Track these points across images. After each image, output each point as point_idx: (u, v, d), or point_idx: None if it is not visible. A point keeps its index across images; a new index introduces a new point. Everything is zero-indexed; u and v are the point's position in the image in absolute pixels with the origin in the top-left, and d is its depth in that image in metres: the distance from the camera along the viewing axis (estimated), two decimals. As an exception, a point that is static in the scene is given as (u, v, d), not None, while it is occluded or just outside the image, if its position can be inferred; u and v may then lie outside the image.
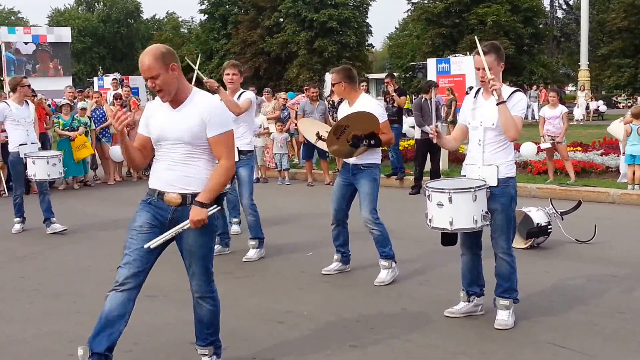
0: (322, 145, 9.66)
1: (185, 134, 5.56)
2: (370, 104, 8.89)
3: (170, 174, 5.66)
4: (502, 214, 7.06)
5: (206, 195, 5.55)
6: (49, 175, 12.41)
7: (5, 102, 12.78)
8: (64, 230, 12.56)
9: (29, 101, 13.06)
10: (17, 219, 12.91)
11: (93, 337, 5.74)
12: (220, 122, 5.63)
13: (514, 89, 7.21)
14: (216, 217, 5.78)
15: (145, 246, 5.63)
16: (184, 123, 5.56)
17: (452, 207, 6.94)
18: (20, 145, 12.39)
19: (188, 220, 5.56)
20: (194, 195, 5.60)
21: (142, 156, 5.98)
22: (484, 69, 7.03)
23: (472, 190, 6.87)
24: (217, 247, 10.61)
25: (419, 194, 16.62)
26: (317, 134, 9.70)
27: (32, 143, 12.60)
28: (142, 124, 5.89)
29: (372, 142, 8.55)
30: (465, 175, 7.34)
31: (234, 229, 12.05)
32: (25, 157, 12.30)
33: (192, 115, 5.57)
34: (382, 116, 8.74)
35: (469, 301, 7.51)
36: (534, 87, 41.37)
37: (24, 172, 12.38)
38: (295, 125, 20.80)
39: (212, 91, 9.92)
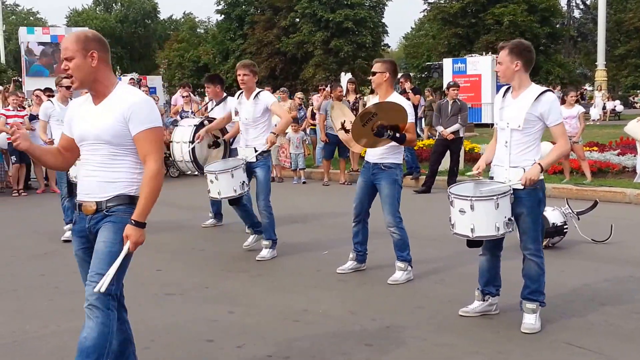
0: (341, 134, 9.70)
1: (105, 132, 5.01)
2: (403, 103, 8.75)
3: (89, 181, 5.14)
4: (529, 216, 7.00)
5: (142, 213, 4.95)
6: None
7: (50, 101, 12.50)
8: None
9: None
10: (67, 225, 11.89)
11: None
12: (144, 117, 5.02)
13: (544, 89, 7.06)
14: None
15: (95, 290, 5.07)
16: (103, 119, 5.02)
17: (474, 215, 6.91)
18: (52, 140, 11.73)
19: (127, 246, 4.96)
20: (115, 197, 5.07)
21: (59, 159, 5.46)
22: (498, 63, 7.03)
23: (495, 198, 6.83)
24: (253, 238, 10.94)
25: (428, 193, 16.67)
26: (343, 123, 9.72)
27: None
28: (66, 123, 5.38)
29: (397, 135, 8.46)
30: (492, 177, 7.27)
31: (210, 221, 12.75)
32: None
33: (113, 110, 5.01)
34: (410, 115, 8.65)
35: (484, 300, 7.49)
36: (558, 87, 41.29)
37: (66, 173, 11.61)
38: (311, 125, 20.86)
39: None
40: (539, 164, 6.81)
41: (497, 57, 7.34)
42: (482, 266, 7.48)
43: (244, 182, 10.19)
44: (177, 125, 12.60)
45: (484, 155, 7.63)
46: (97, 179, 5.07)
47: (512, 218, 6.95)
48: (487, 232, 6.93)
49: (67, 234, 11.84)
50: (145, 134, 4.99)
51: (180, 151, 11.42)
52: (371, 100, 9.26)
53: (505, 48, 7.00)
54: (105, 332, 5.05)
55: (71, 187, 11.61)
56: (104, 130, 4.99)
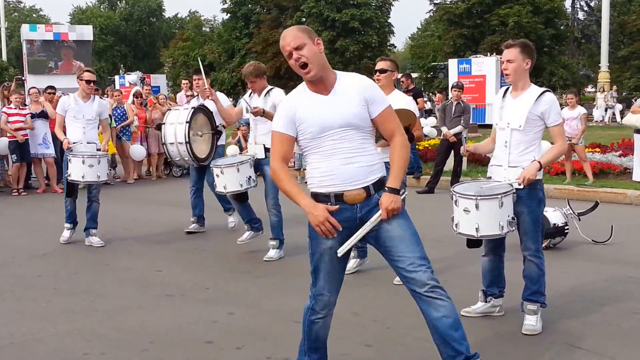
0: None
1: (354, 118, 5.11)
2: (404, 100, 8.75)
3: (350, 168, 5.14)
4: (529, 216, 7.00)
5: (396, 180, 5.14)
6: (82, 177, 11.03)
7: (69, 95, 11.85)
8: (101, 246, 11.38)
9: (97, 97, 12.01)
10: (67, 224, 11.79)
11: None
12: (381, 96, 5.22)
13: (543, 89, 7.09)
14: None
15: (340, 253, 5.32)
16: (347, 106, 5.11)
17: (479, 214, 6.89)
18: (73, 143, 11.21)
19: (379, 212, 5.10)
20: (377, 183, 5.18)
21: None
22: (507, 61, 7.00)
23: (499, 196, 6.82)
24: (248, 234, 10.85)
25: (431, 193, 16.66)
26: None
27: (88, 142, 11.36)
28: (285, 122, 5.23)
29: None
30: (490, 177, 7.30)
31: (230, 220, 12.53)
32: (67, 154, 11.24)
33: (352, 96, 5.12)
34: (415, 111, 8.64)
35: (486, 301, 7.52)
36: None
37: (65, 173, 11.35)
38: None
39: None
40: (538, 162, 6.83)
41: (501, 58, 7.34)
42: (485, 267, 7.50)
43: (250, 177, 10.23)
44: (170, 109, 12.31)
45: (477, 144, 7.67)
46: (356, 165, 5.15)
47: (515, 217, 6.95)
48: (491, 231, 6.92)
49: (66, 235, 11.80)
50: (386, 112, 5.19)
51: (174, 133, 11.12)
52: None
53: (516, 46, 7.00)
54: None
55: (72, 188, 11.44)
56: (353, 116, 5.11)
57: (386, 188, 5.13)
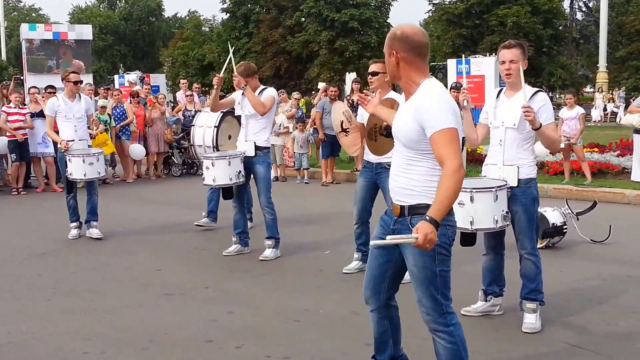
0: (341, 137, 9.67)
1: (398, 133, 4.97)
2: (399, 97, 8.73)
3: (392, 185, 5.07)
4: (524, 215, 7.05)
5: (437, 211, 4.55)
6: (85, 175, 11.54)
7: (56, 97, 12.46)
8: (99, 238, 11.84)
9: (82, 95, 12.56)
10: (72, 223, 12.13)
11: None
12: (432, 121, 4.67)
13: (536, 89, 7.15)
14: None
15: (371, 243, 5.12)
16: (397, 120, 5.02)
17: (473, 207, 6.93)
18: (67, 141, 11.72)
19: (416, 235, 4.49)
20: (414, 207, 4.87)
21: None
22: (510, 61, 7.02)
23: (494, 189, 6.86)
24: (235, 247, 10.70)
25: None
26: (342, 124, 9.71)
27: (80, 139, 11.96)
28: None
29: None
30: (485, 176, 7.34)
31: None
32: (65, 155, 11.64)
33: (407, 110, 4.90)
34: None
35: (486, 300, 7.55)
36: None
37: (65, 171, 11.78)
38: (314, 124, 20.88)
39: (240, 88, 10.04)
40: (540, 123, 6.92)
41: (498, 57, 7.36)
42: (485, 266, 7.55)
43: (240, 171, 10.26)
44: (199, 111, 12.54)
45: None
46: (396, 184, 5.02)
47: (509, 212, 6.99)
48: (486, 225, 6.96)
49: (73, 232, 12.07)
50: (436, 136, 4.68)
51: (202, 136, 11.30)
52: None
53: (518, 47, 7.07)
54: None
55: (71, 185, 11.86)
56: (398, 131, 4.99)
57: (427, 217, 4.54)
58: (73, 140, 11.83)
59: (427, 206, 4.66)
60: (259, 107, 10.04)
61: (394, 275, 5.43)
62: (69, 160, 11.53)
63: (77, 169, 11.51)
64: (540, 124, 6.85)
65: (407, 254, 4.96)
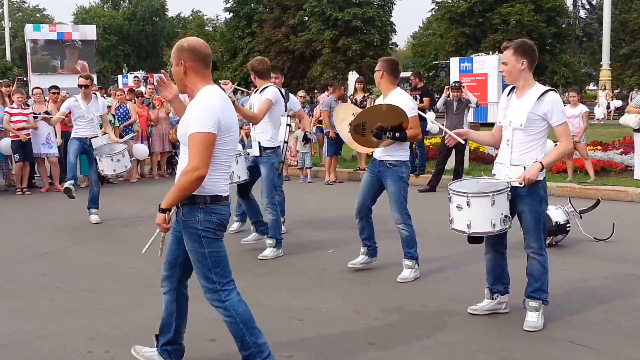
0: (357, 137, 9.74)
1: (179, 133, 5.60)
2: (399, 97, 8.80)
3: None
4: (530, 215, 7.05)
5: (165, 200, 5.42)
6: (114, 171, 13.22)
7: (75, 98, 13.54)
8: (97, 223, 13.15)
9: (98, 94, 14.03)
10: (93, 209, 13.42)
11: None
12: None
13: (547, 88, 7.08)
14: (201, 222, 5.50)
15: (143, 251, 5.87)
16: (182, 121, 5.55)
17: (470, 211, 6.98)
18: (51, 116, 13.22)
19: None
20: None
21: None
22: (503, 63, 7.04)
23: (490, 194, 6.88)
24: (255, 235, 10.91)
25: (433, 192, 16.67)
26: (363, 125, 9.79)
27: (92, 137, 13.32)
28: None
29: (397, 135, 8.47)
30: (494, 174, 7.33)
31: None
32: (95, 154, 13.09)
33: (186, 113, 5.53)
34: (410, 110, 8.66)
35: (492, 299, 7.53)
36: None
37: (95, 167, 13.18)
38: (318, 123, 20.87)
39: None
40: (540, 162, 6.85)
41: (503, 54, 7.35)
42: (488, 264, 7.53)
43: (246, 170, 10.41)
44: None
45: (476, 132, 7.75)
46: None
47: (509, 215, 7.00)
48: (483, 229, 7.00)
49: (95, 217, 13.25)
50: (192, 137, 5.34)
51: None
52: (377, 100, 9.32)
53: (510, 48, 7.03)
54: None
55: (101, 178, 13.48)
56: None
57: (159, 206, 5.47)
58: (86, 138, 13.23)
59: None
60: (249, 120, 10.25)
61: (183, 260, 5.94)
62: (99, 159, 13.02)
63: (107, 166, 13.04)
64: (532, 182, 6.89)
65: (185, 240, 5.61)
